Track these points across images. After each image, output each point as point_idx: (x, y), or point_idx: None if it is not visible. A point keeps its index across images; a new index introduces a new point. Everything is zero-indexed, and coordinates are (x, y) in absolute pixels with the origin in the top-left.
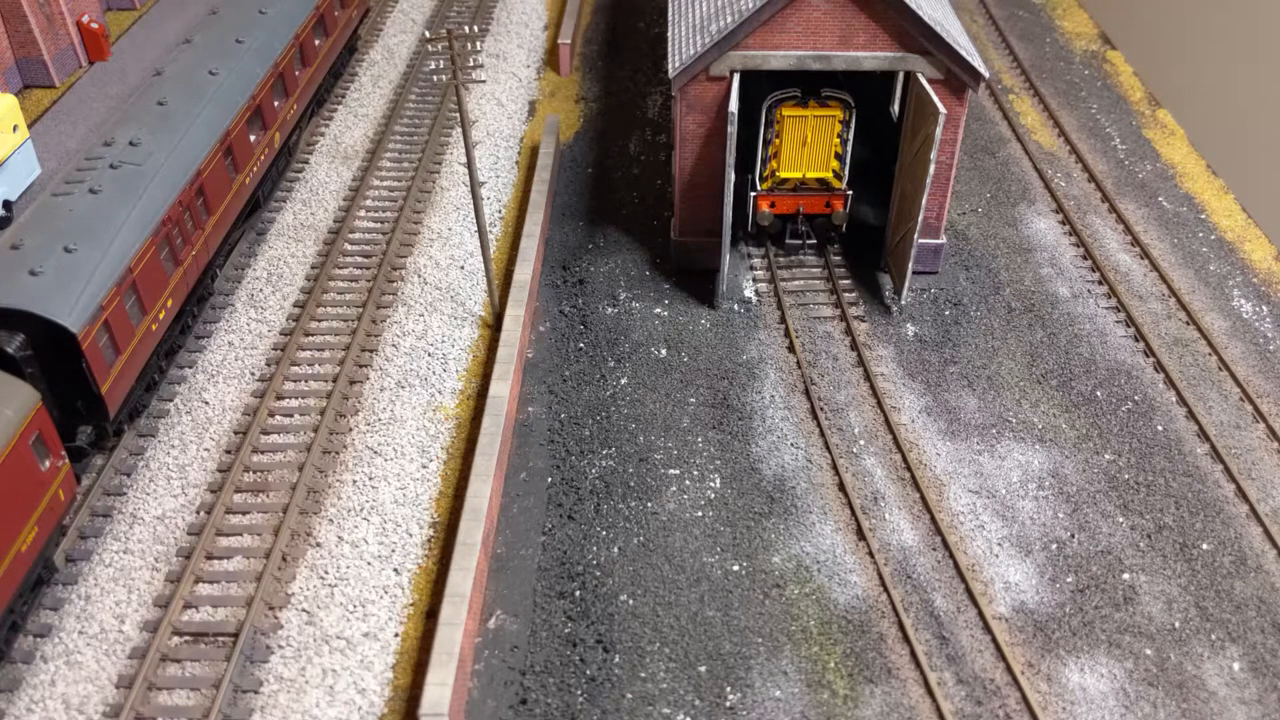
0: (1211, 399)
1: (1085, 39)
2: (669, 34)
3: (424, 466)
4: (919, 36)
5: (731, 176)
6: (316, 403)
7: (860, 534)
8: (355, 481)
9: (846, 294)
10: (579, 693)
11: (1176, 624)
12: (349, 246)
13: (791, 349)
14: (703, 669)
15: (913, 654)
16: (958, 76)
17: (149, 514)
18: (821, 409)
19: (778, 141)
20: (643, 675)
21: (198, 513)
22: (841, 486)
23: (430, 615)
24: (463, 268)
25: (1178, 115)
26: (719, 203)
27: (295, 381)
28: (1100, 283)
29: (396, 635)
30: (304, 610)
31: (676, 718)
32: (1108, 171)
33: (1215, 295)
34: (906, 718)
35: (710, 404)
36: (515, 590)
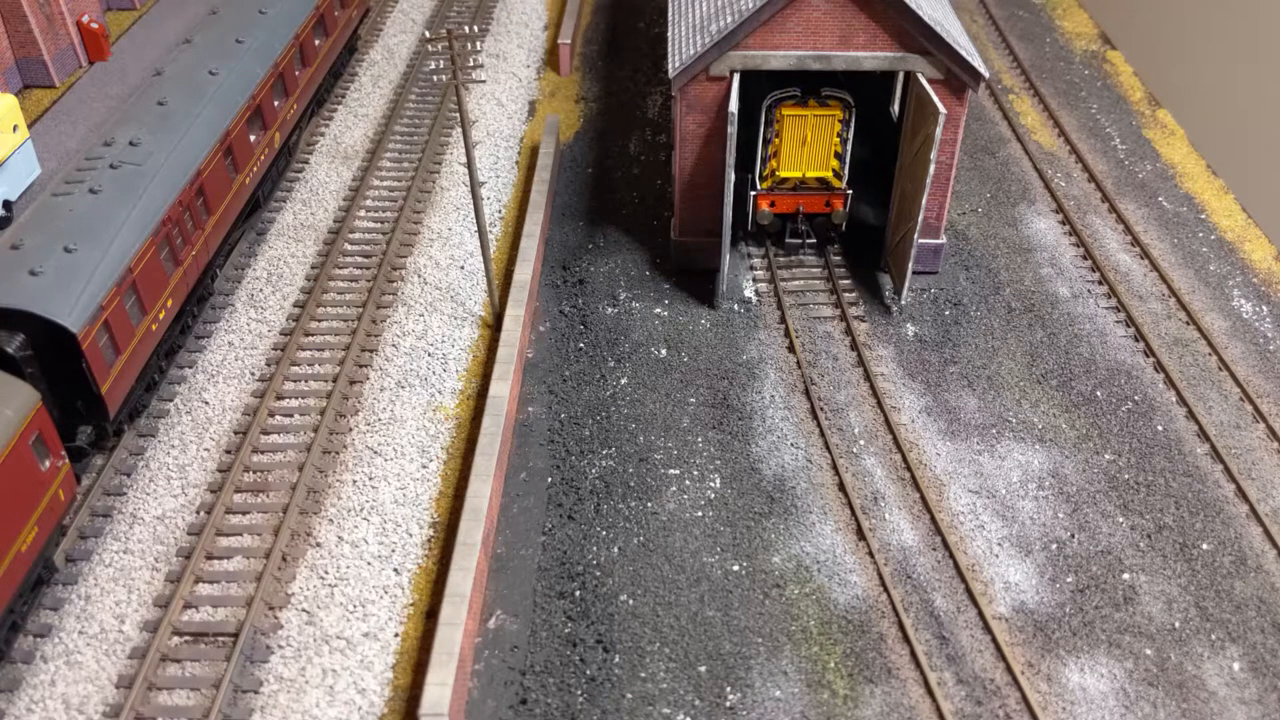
0: (1211, 399)
1: (1085, 39)
2: (669, 34)
3: (424, 466)
4: (919, 36)
5: (731, 176)
6: (316, 403)
7: (860, 534)
8: (355, 481)
9: (846, 294)
10: (579, 693)
11: (1176, 624)
12: (349, 246)
13: (791, 349)
14: (703, 669)
15: (913, 654)
16: (958, 76)
17: (149, 514)
18: (821, 409)
19: (778, 141)
20: (643, 675)
21: (198, 513)
22: (841, 486)
23: (430, 615)
24: (463, 268)
25: (1178, 115)
26: (719, 203)
27: (295, 381)
28: (1100, 283)
29: (396, 635)
30: (304, 610)
31: (676, 718)
32: (1108, 171)
33: (1215, 295)
34: (906, 718)
35: (710, 404)
36: (515, 590)
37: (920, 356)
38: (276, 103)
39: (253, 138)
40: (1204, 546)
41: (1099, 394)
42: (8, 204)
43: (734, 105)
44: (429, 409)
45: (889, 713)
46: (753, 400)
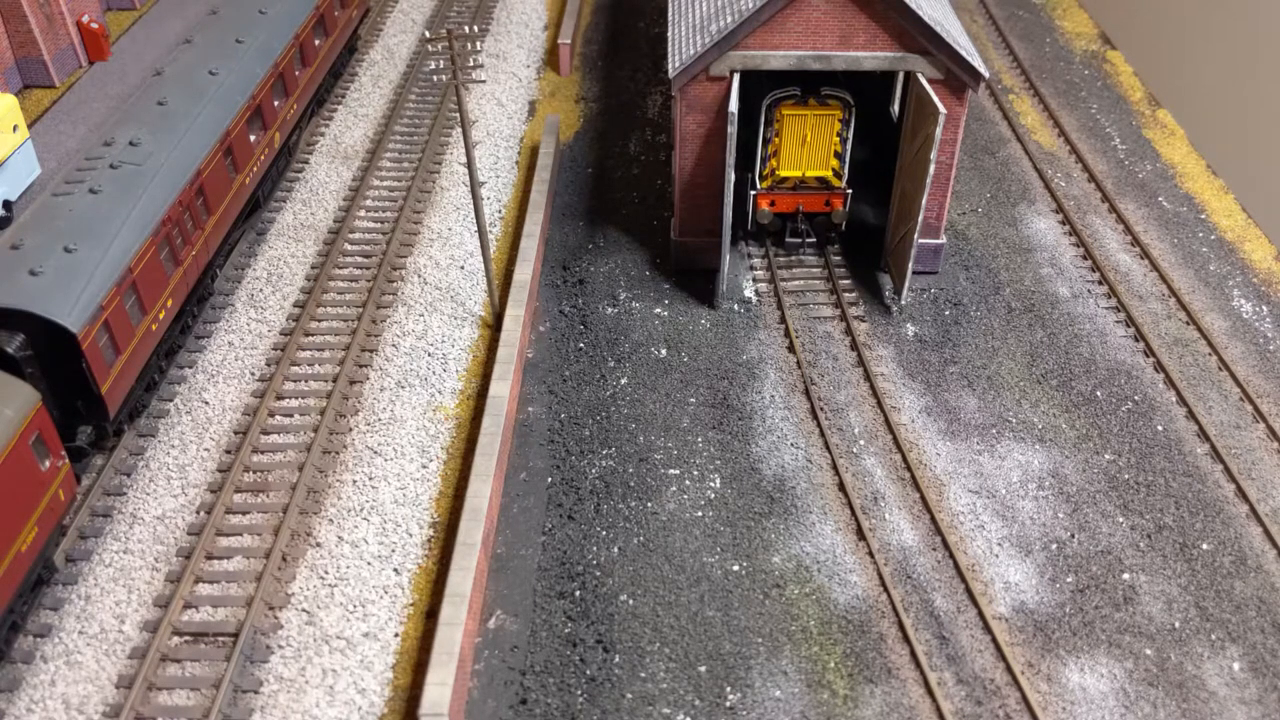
0: (1211, 399)
1: (1085, 39)
2: (669, 34)
3: (424, 466)
4: (919, 36)
5: (731, 176)
6: (316, 403)
7: (860, 534)
8: (355, 481)
9: (846, 294)
10: (579, 693)
11: (1176, 624)
12: (349, 246)
13: (791, 349)
14: (703, 669)
15: (913, 654)
16: (958, 76)
17: (149, 514)
18: (821, 409)
19: (777, 140)
20: (643, 675)
21: (198, 513)
22: (841, 486)
23: (430, 615)
24: (463, 268)
25: (1178, 115)
26: (719, 203)
27: (295, 381)
28: (1100, 283)
29: (396, 635)
30: (304, 610)
31: (676, 718)
32: (1108, 171)
33: (1215, 295)
34: (906, 718)
35: (710, 404)
36: (515, 590)
37: (920, 356)
38: (276, 103)
39: (253, 138)
40: (1204, 546)
41: (1099, 394)
42: (8, 204)
43: (734, 105)
44: (429, 409)
45: (889, 713)
46: (753, 400)
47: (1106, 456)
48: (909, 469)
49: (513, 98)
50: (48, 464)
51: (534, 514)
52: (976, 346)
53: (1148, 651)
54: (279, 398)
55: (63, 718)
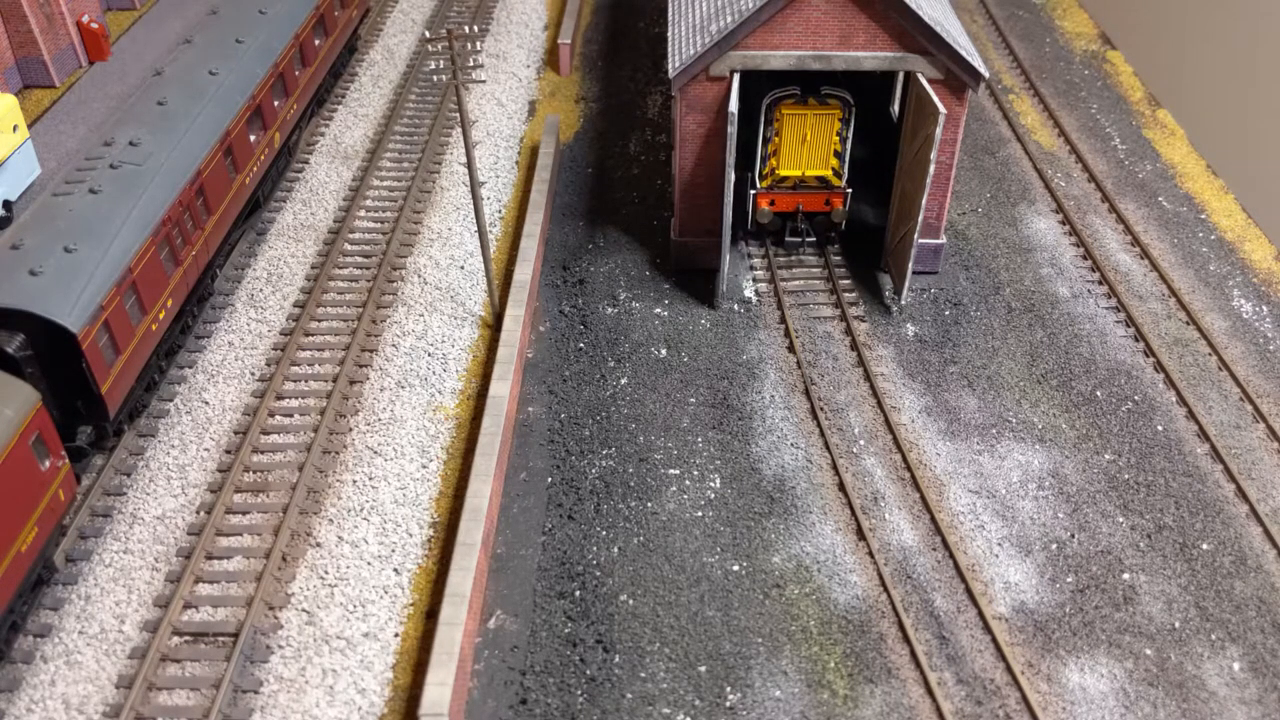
0: (1211, 399)
1: (1085, 39)
2: (669, 34)
3: (424, 466)
4: (919, 36)
5: (731, 176)
6: (316, 403)
7: (860, 534)
8: (355, 481)
9: (846, 294)
10: (579, 693)
11: (1176, 624)
12: (349, 246)
13: (791, 349)
14: (703, 669)
15: (913, 654)
16: (958, 76)
17: (149, 514)
18: (821, 409)
19: (777, 139)
20: (643, 675)
21: (198, 513)
22: (841, 486)
23: (430, 615)
24: (463, 268)
25: (1178, 115)
26: (719, 202)
27: (295, 381)
28: (1100, 283)
29: (396, 635)
30: (304, 610)
31: (676, 718)
32: (1108, 171)
33: (1215, 295)
34: (906, 718)
35: (710, 404)
36: (515, 590)
37: (920, 356)
38: (276, 103)
39: (253, 138)
40: (1204, 546)
41: (1099, 394)
42: (8, 204)
43: (734, 105)
44: (429, 409)
45: (889, 713)
46: (753, 400)
47: (1106, 456)
48: (909, 469)
49: (513, 98)
50: (48, 464)
51: (534, 514)
52: (976, 346)
53: (1148, 651)
54: (279, 398)
55: (63, 718)
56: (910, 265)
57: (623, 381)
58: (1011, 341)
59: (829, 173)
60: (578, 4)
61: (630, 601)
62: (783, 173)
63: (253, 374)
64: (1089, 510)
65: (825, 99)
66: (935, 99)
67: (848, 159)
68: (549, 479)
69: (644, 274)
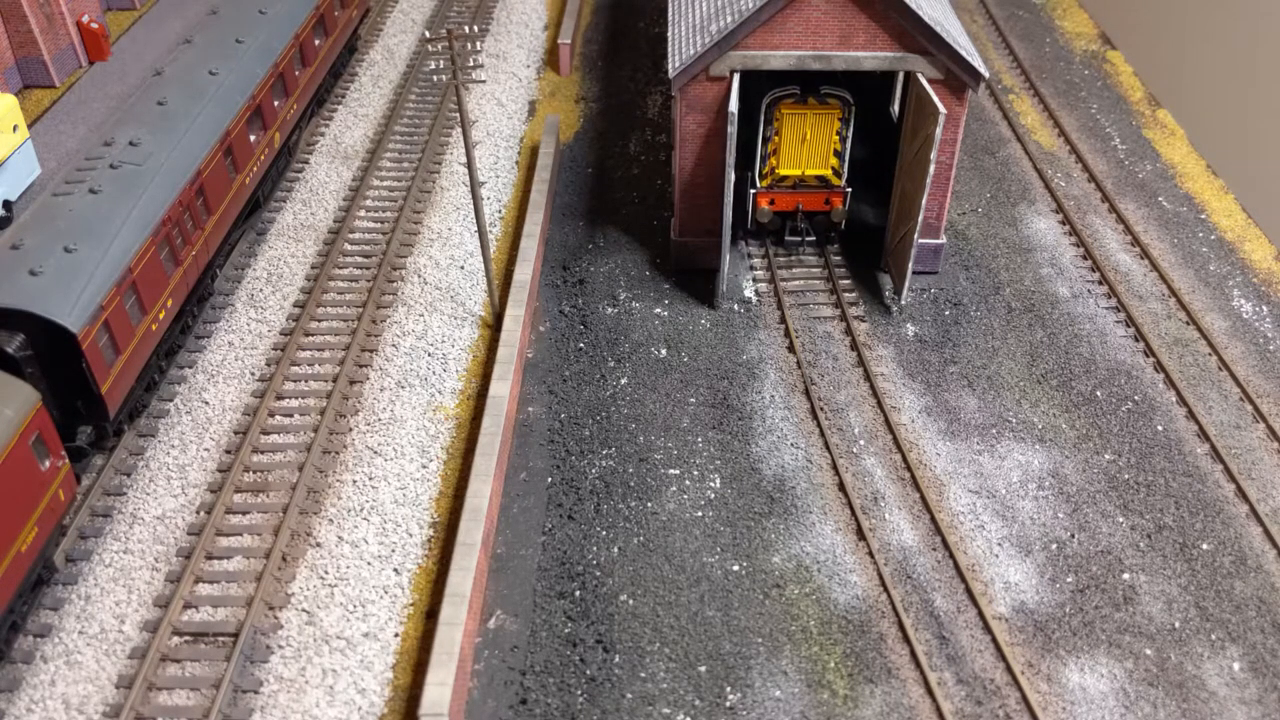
0: (1211, 399)
1: (1085, 39)
2: (669, 34)
3: (424, 466)
4: (919, 36)
5: (731, 176)
6: (316, 403)
7: (860, 534)
8: (355, 481)
9: (846, 294)
10: (579, 693)
11: (1176, 624)
12: (349, 246)
13: (791, 349)
14: (703, 669)
15: (913, 654)
16: (958, 76)
17: (149, 514)
18: (821, 409)
19: (777, 139)
20: (643, 675)
21: (198, 513)
22: (841, 486)
23: (430, 615)
24: (463, 268)
25: (1178, 115)
26: (719, 202)
27: (295, 381)
28: (1100, 283)
29: (396, 635)
30: (304, 610)
31: (676, 718)
32: (1108, 171)
33: (1215, 295)
34: (906, 718)
35: (710, 404)
36: (515, 590)
37: (920, 356)
38: (276, 103)
39: (253, 138)
40: (1204, 546)
41: (1099, 394)
42: (8, 204)
43: (734, 105)
44: (429, 409)
45: (889, 713)
46: (753, 400)
47: (1106, 456)
48: (909, 469)
49: (513, 98)
50: (48, 464)
51: (534, 514)
52: (976, 346)
53: (1148, 651)
54: (279, 398)
55: (63, 718)
56: (910, 265)
57: (623, 381)
58: (1011, 341)
59: (829, 172)
60: (578, 4)
61: (630, 601)
62: (782, 172)
63: (253, 374)
64: (1089, 510)
65: (825, 99)
66: (935, 99)
67: (848, 158)
68: (549, 479)
69: (644, 274)
